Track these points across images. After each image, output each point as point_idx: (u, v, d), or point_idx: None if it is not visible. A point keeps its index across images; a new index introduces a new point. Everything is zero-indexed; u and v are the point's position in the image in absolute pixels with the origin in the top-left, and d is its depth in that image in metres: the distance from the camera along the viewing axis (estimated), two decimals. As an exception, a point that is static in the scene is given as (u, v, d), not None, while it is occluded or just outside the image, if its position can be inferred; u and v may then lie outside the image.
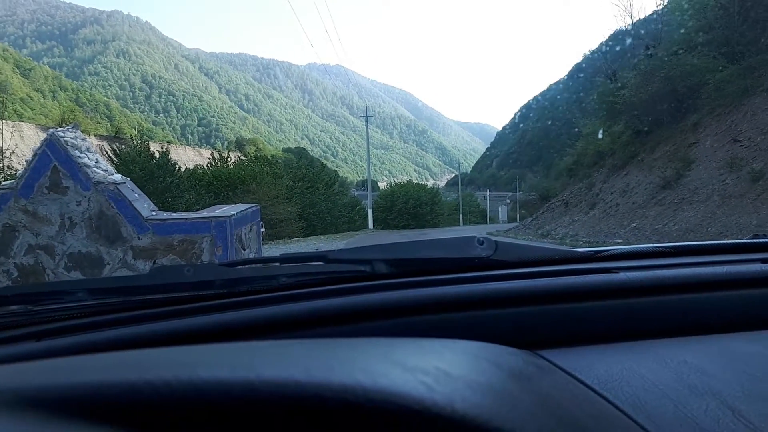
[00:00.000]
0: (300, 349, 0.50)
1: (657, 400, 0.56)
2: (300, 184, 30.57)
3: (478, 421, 0.36)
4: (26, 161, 4.26)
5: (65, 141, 4.13)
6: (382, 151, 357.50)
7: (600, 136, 22.20)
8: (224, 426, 0.35)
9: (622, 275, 0.84)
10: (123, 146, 21.07)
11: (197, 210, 5.15)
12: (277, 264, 1.08)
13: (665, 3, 23.79)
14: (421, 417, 0.35)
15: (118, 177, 4.25)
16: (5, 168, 15.46)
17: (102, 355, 0.51)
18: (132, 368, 0.40)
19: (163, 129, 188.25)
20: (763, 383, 0.60)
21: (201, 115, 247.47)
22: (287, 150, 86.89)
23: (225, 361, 0.42)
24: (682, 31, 19.62)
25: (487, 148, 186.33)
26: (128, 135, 35.67)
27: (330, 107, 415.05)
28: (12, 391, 0.37)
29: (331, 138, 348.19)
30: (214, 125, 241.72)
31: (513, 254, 0.96)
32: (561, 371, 0.61)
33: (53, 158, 4.10)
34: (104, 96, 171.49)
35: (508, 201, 72.78)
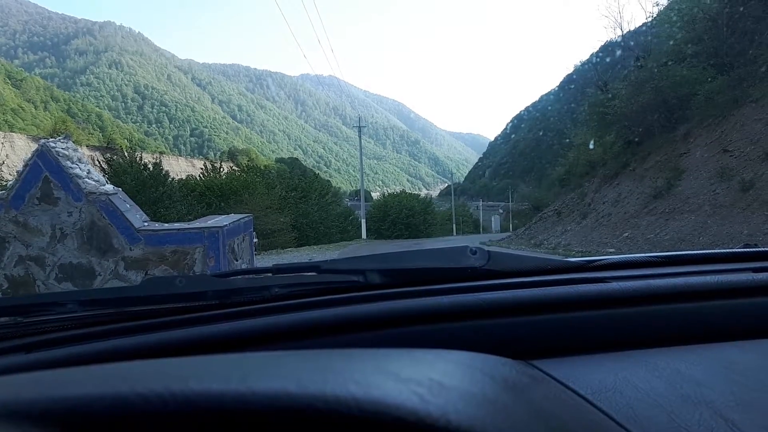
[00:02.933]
0: (293, 360, 0.50)
1: (650, 410, 0.56)
2: (293, 194, 30.52)
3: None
4: (17, 172, 4.24)
5: (57, 151, 4.11)
6: (375, 162, 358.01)
7: (591, 146, 22.34)
8: None
9: (614, 285, 0.84)
10: (115, 157, 20.95)
11: (189, 221, 5.13)
12: (270, 274, 1.08)
13: (655, 15, 24.11)
14: (415, 428, 0.35)
15: (109, 187, 4.24)
16: (-4, 179, 15.39)
17: (93, 367, 0.50)
18: (123, 380, 0.39)
19: (155, 140, 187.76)
20: (757, 392, 0.60)
21: (194, 126, 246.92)
22: (280, 160, 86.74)
23: (217, 373, 0.42)
24: (672, 42, 19.82)
25: (480, 158, 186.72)
26: (120, 146, 35.56)
27: (323, 118, 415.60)
28: (1, 403, 0.37)
29: (324, 148, 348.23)
30: (206, 136, 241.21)
31: (506, 264, 0.97)
32: (554, 381, 0.61)
33: (44, 169, 4.09)
34: (96, 107, 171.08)
35: (501, 211, 72.92)
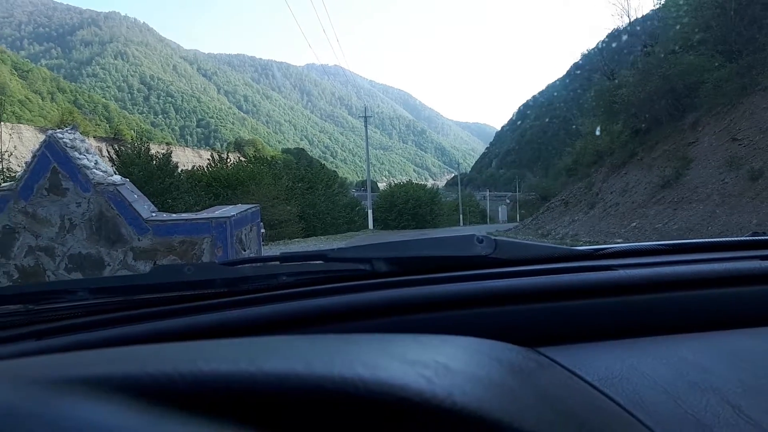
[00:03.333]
0: (300, 343, 0.50)
1: (657, 396, 0.57)
2: (299, 184, 30.51)
3: (478, 413, 0.37)
4: (25, 163, 4.26)
5: (64, 142, 4.13)
6: (382, 152, 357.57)
7: (597, 132, 22.21)
8: (225, 418, 0.35)
9: (621, 272, 0.84)
10: (123, 147, 20.99)
11: (197, 211, 5.15)
12: (277, 263, 1.08)
13: (662, 2, 23.82)
14: (422, 409, 0.36)
15: (117, 178, 4.25)
16: (4, 170, 15.49)
17: (102, 350, 0.51)
18: (132, 361, 0.40)
19: (162, 130, 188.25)
20: (763, 379, 0.60)
21: (200, 117, 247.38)
22: (286, 151, 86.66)
23: (226, 355, 0.42)
24: (678, 27, 19.61)
25: (486, 147, 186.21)
26: (127, 136, 35.61)
27: (329, 108, 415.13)
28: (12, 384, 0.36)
29: (330, 138, 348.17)
30: (212, 126, 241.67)
31: (512, 252, 0.96)
32: (561, 367, 0.61)
33: (52, 160, 4.10)
34: (102, 98, 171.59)
35: (508, 201, 72.81)
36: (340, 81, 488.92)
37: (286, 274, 0.95)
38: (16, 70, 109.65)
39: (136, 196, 4.28)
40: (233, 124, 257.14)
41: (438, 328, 0.74)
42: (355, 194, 49.70)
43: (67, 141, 4.16)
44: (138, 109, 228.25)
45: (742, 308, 0.81)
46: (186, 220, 4.20)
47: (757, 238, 1.12)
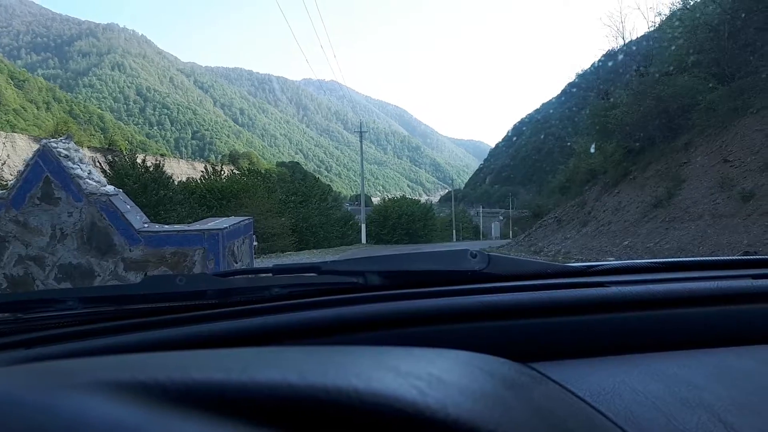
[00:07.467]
0: (294, 354, 0.50)
1: (649, 413, 0.56)
2: (293, 198, 30.48)
3: (471, 425, 0.36)
4: (18, 172, 4.25)
5: (58, 152, 4.11)
6: (376, 167, 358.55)
7: (592, 150, 22.35)
8: (217, 428, 0.34)
9: (613, 289, 0.84)
10: (117, 158, 20.89)
11: (190, 223, 5.13)
12: (270, 275, 1.08)
13: (656, 24, 24.18)
14: (415, 420, 0.35)
15: (110, 188, 4.24)
16: (-3, 179, 15.38)
17: (92, 358, 0.50)
18: (123, 370, 0.39)
19: (156, 142, 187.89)
20: (754, 396, 0.60)
21: (195, 129, 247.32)
22: (281, 164, 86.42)
23: (218, 365, 0.42)
24: (672, 48, 19.85)
25: (480, 164, 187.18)
26: (122, 147, 35.51)
27: (324, 122, 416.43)
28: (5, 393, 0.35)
29: (325, 153, 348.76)
30: (208, 139, 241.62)
31: (505, 268, 0.97)
32: (553, 383, 0.61)
33: (45, 169, 4.09)
34: (98, 108, 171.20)
35: (501, 217, 72.99)
36: (337, 96, 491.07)
37: (279, 286, 0.94)
38: (12, 79, 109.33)
39: (128, 206, 4.26)
40: (228, 136, 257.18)
41: (431, 341, 0.74)
42: (349, 208, 49.61)
43: (61, 150, 4.14)
44: (133, 120, 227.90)
45: (734, 326, 0.82)
46: (178, 231, 4.18)
47: (748, 257, 1.12)
